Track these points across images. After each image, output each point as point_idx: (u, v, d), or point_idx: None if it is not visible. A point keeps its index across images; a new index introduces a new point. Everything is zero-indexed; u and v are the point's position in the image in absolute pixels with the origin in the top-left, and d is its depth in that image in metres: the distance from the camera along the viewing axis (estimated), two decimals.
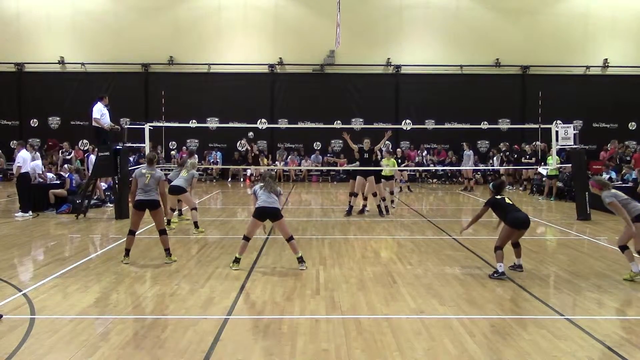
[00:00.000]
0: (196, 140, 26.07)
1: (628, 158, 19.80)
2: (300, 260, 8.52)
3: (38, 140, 25.37)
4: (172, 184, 12.05)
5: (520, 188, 21.59)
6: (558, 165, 17.12)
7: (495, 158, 23.14)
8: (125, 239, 9.01)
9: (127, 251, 8.82)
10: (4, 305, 6.53)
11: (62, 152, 21.35)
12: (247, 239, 8.50)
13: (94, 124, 14.00)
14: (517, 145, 23.43)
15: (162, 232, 8.86)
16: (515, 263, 8.39)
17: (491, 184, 8.83)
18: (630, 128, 26.12)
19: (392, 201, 15.50)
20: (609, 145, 21.42)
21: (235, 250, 8.81)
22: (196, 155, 12.74)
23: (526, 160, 21.49)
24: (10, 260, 9.04)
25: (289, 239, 8.56)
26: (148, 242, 10.49)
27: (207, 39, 25.65)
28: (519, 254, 8.37)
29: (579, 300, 7.02)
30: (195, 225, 11.75)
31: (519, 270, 8.30)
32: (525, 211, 15.34)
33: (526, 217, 8.22)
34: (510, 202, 8.29)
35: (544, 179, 18.75)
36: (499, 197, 8.31)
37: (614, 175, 16.52)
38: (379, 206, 14.27)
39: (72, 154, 20.86)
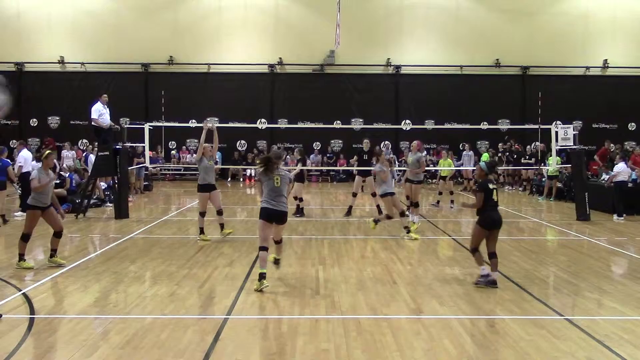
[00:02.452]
0: (196, 140, 25.98)
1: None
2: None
3: (38, 140, 25.40)
4: None
5: (520, 188, 21.59)
6: (558, 166, 17.11)
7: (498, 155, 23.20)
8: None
9: (21, 256, 8.37)
10: (4, 305, 6.53)
11: (62, 152, 21.29)
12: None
13: (93, 123, 13.99)
14: (518, 145, 23.41)
15: (56, 235, 8.53)
16: (489, 276, 7.43)
17: (482, 163, 8.05)
18: (630, 128, 26.12)
19: (452, 201, 16.09)
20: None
21: (235, 250, 8.85)
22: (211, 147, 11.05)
23: (526, 161, 21.48)
24: (10, 260, 9.04)
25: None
26: (147, 242, 10.49)
27: (207, 39, 25.65)
28: (495, 265, 7.48)
29: (579, 300, 7.03)
30: (201, 231, 10.81)
31: (492, 286, 7.34)
32: (524, 211, 15.47)
33: (500, 218, 7.59)
34: (496, 200, 7.53)
35: (543, 179, 18.75)
36: (491, 186, 7.55)
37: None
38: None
39: (74, 154, 20.71)
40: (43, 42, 25.61)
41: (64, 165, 18.56)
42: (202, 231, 10.77)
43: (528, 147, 22.23)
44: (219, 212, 10.76)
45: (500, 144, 23.33)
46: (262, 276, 7.21)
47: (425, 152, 24.88)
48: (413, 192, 12.16)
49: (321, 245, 10.37)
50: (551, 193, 18.02)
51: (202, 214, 10.75)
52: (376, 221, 11.31)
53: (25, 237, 8.38)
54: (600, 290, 7.41)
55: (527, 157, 21.69)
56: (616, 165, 14.43)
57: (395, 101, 25.88)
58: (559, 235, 11.90)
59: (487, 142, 25.68)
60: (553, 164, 16.74)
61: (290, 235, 10.98)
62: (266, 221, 7.44)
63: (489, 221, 7.47)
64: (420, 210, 15.59)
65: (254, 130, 24.85)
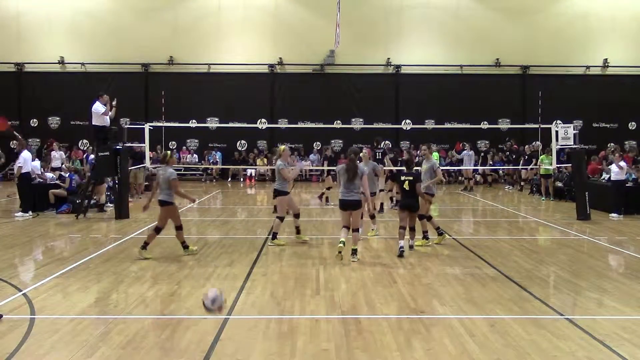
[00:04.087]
0: (196, 140, 26.07)
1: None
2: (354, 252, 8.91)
3: (38, 140, 25.39)
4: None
5: (517, 188, 21.48)
6: (557, 165, 17.06)
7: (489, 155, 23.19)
8: (149, 234, 9.22)
9: (146, 244, 9.11)
10: (4, 305, 6.53)
11: (48, 150, 20.94)
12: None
13: (93, 122, 13.97)
14: (516, 145, 23.43)
15: (177, 228, 9.23)
16: (409, 244, 9.67)
17: (402, 159, 10.46)
18: (630, 128, 26.13)
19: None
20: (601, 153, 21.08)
21: (235, 250, 8.79)
22: (285, 148, 10.64)
23: (528, 160, 21.45)
24: (10, 260, 9.04)
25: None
26: None
27: (207, 39, 25.64)
28: (412, 236, 9.72)
29: (579, 300, 7.02)
30: (298, 230, 10.49)
31: (410, 249, 9.55)
32: (524, 211, 15.47)
33: (408, 203, 9.47)
34: (407, 189, 9.40)
35: (541, 179, 18.73)
36: (403, 177, 9.48)
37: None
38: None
39: (62, 155, 19.67)
40: (43, 42, 25.62)
41: (52, 165, 18.07)
42: (275, 236, 10.22)
43: (527, 146, 22.19)
44: (297, 215, 10.43)
45: (482, 142, 23.09)
46: (342, 242, 8.77)
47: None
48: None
49: (321, 245, 10.37)
50: (549, 192, 18.01)
51: (281, 219, 10.24)
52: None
53: (158, 230, 9.13)
54: (600, 289, 7.41)
55: (527, 157, 21.64)
56: (618, 164, 14.37)
57: (395, 101, 25.88)
58: (559, 235, 11.89)
59: (487, 142, 25.70)
60: (553, 163, 16.72)
61: (290, 235, 10.99)
62: (342, 210, 8.98)
63: (401, 204, 9.69)
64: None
65: (254, 130, 24.86)
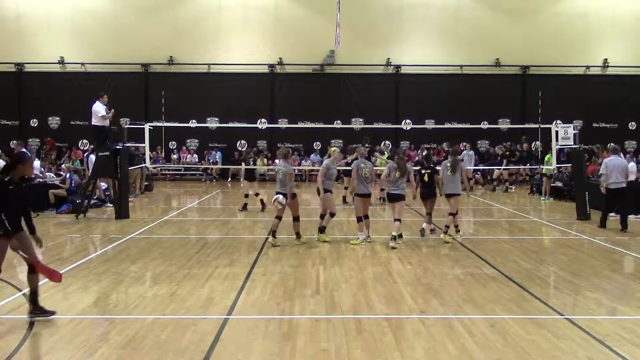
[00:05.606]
0: (196, 140, 26.07)
1: None
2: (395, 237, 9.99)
3: (38, 140, 25.39)
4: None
5: (491, 188, 21.45)
6: (557, 165, 17.06)
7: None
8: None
9: (274, 232, 10.13)
10: (4, 305, 6.54)
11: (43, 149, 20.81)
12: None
13: (93, 122, 13.95)
14: (493, 146, 23.64)
15: (295, 219, 10.31)
16: (430, 228, 11.29)
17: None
18: (630, 128, 26.13)
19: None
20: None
21: (235, 250, 8.77)
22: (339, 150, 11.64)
23: (499, 162, 21.75)
24: (10, 260, 9.00)
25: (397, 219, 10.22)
26: (148, 243, 10.49)
27: (207, 39, 25.65)
28: (429, 220, 11.27)
29: (579, 300, 7.02)
30: (321, 230, 10.73)
31: (442, 229, 10.74)
32: (524, 211, 15.47)
33: (427, 192, 11.09)
34: (426, 180, 10.99)
35: (544, 179, 18.75)
36: (423, 171, 11.08)
37: None
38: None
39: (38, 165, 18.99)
40: (43, 42, 25.62)
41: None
42: (323, 230, 10.72)
43: (498, 147, 22.48)
44: (322, 216, 10.79)
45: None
46: (394, 237, 9.94)
47: (425, 152, 24.98)
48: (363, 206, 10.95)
49: (321, 245, 10.37)
50: (545, 191, 18.07)
51: (322, 216, 10.73)
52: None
53: (279, 218, 10.24)
54: (600, 289, 7.41)
55: (499, 157, 21.93)
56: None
57: (395, 101, 25.89)
58: (559, 235, 11.90)
59: (487, 142, 25.70)
60: (553, 164, 16.69)
61: (291, 235, 10.99)
62: (389, 202, 10.39)
63: (422, 193, 11.13)
64: (421, 211, 15.58)
65: (254, 130, 24.85)
